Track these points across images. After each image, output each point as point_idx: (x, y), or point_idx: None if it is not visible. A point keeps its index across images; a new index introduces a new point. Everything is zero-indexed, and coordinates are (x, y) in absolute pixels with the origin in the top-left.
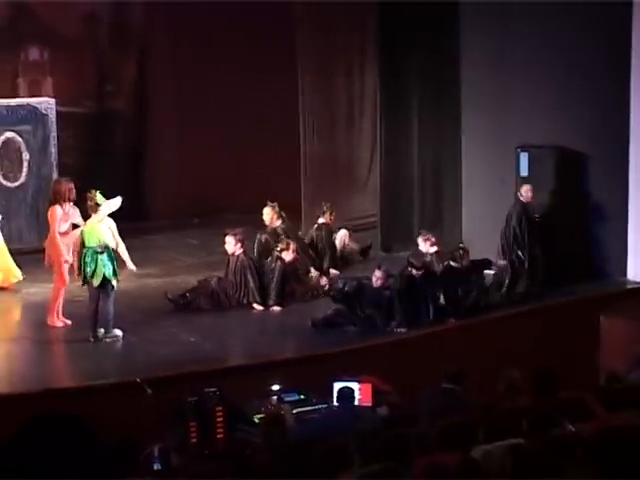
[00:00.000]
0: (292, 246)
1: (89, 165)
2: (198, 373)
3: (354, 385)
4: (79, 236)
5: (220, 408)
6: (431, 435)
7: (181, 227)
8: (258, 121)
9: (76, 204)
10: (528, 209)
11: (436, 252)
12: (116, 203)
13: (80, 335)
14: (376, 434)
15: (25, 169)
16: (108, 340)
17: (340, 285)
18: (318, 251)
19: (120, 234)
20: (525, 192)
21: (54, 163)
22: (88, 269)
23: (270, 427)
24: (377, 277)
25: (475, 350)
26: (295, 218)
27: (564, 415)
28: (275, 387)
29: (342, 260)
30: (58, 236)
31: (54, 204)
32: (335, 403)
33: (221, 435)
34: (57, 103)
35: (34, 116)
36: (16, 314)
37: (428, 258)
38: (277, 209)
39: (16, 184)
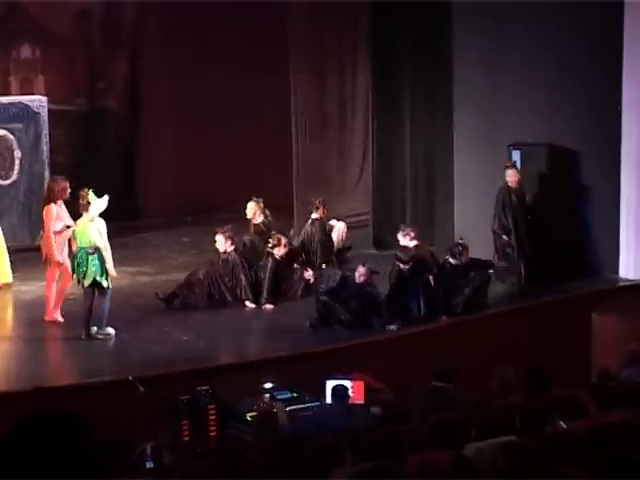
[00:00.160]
0: (283, 241)
1: (81, 163)
2: (191, 371)
3: (346, 383)
4: (72, 235)
5: (212, 406)
6: (423, 433)
7: (174, 225)
8: (251, 120)
9: (66, 203)
10: (514, 194)
11: (416, 246)
12: (104, 202)
13: (73, 333)
14: (368, 432)
15: (17, 167)
16: (100, 337)
17: (325, 279)
18: (312, 246)
19: (113, 232)
20: (509, 176)
21: (46, 161)
22: (80, 269)
23: (262, 425)
24: (360, 273)
25: (468, 348)
26: (287, 217)
27: (556, 412)
28: (267, 385)
29: (339, 253)
30: (52, 235)
31: (49, 203)
32: (328, 401)
33: (213, 433)
34: (49, 101)
35: (26, 114)
36: (8, 312)
37: (413, 252)
38: (261, 205)
39: (8, 182)
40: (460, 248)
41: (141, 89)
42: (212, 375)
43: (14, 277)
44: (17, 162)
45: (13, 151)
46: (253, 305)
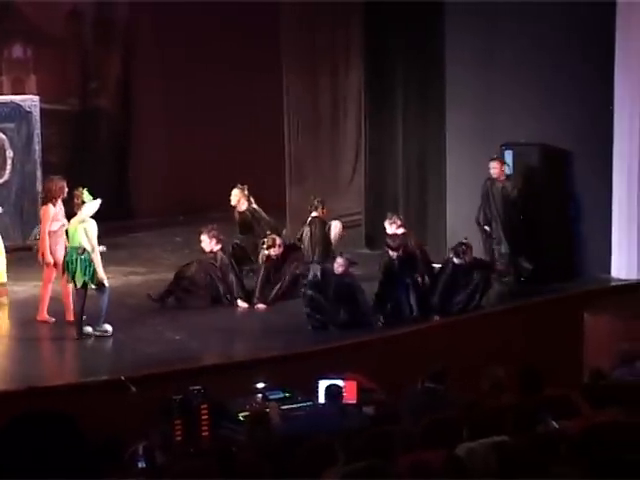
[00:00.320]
0: (278, 241)
1: (73, 163)
2: (183, 371)
3: (339, 383)
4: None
5: (205, 406)
6: (415, 433)
7: (166, 225)
8: (243, 120)
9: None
10: (497, 185)
11: (403, 234)
12: (95, 205)
13: (66, 333)
14: (361, 432)
15: (9, 166)
16: (97, 334)
17: (311, 275)
18: (311, 244)
19: (105, 232)
20: (492, 168)
21: (38, 161)
22: (70, 269)
23: (255, 425)
24: (338, 264)
25: (460, 347)
26: (280, 217)
27: (549, 412)
28: (260, 385)
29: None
30: (47, 236)
31: (46, 203)
32: (321, 401)
33: (206, 433)
34: (41, 101)
35: (18, 114)
36: (1, 312)
37: (402, 240)
38: (246, 192)
39: (0, 182)
40: (464, 247)
41: (134, 89)
42: (205, 375)
43: (7, 276)
44: (9, 162)
45: (5, 151)
46: (245, 304)
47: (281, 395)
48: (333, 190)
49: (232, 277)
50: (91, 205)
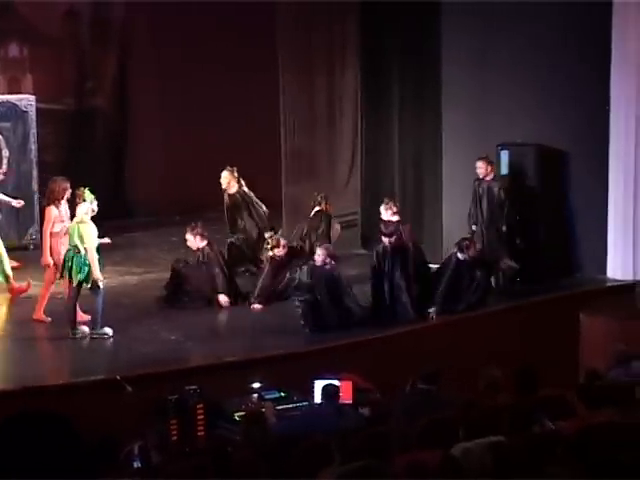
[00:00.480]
0: (282, 242)
1: (69, 162)
2: (179, 371)
3: (335, 383)
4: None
5: (201, 406)
6: (411, 433)
7: (163, 225)
8: (240, 120)
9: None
10: (484, 185)
11: (398, 222)
12: (87, 205)
13: (62, 333)
14: (357, 432)
15: (5, 166)
16: (95, 337)
17: (297, 273)
18: (314, 238)
19: (102, 232)
20: (477, 168)
21: (34, 160)
22: (66, 267)
23: (251, 425)
24: (318, 254)
25: (456, 348)
26: (276, 217)
27: (544, 413)
28: (256, 385)
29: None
30: (47, 238)
31: (49, 204)
32: (318, 400)
33: (202, 433)
34: (37, 100)
35: (14, 113)
36: None
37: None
38: (236, 174)
39: None
40: (467, 242)
41: (130, 88)
42: (200, 375)
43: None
44: (5, 161)
45: (1, 150)
46: (226, 300)
47: (277, 395)
48: (330, 190)
49: (217, 271)
50: (84, 205)
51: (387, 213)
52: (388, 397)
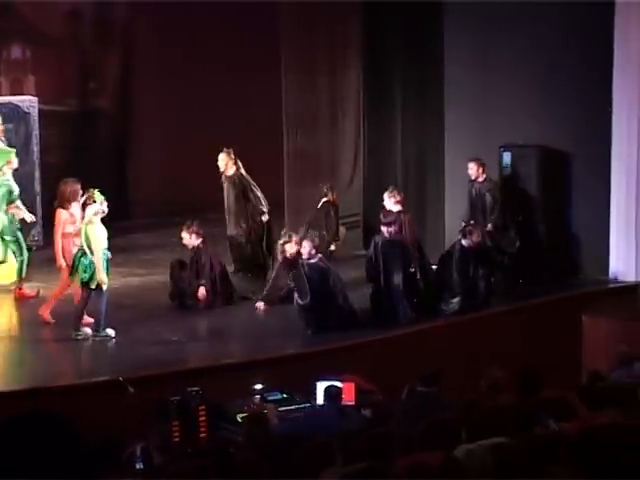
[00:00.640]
0: (295, 238)
1: (72, 163)
2: (181, 372)
3: (337, 384)
4: None
5: (203, 407)
6: (414, 434)
7: (164, 226)
8: (242, 120)
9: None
10: (476, 186)
11: (399, 211)
12: (95, 207)
13: (66, 334)
14: (359, 433)
15: None
16: (97, 339)
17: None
18: (322, 227)
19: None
20: (469, 169)
21: (36, 161)
22: (74, 267)
23: (253, 426)
24: (304, 247)
25: (458, 349)
26: (279, 217)
27: (547, 414)
28: (258, 386)
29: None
30: (58, 240)
31: (59, 207)
32: (320, 402)
33: (204, 434)
34: (39, 101)
35: (16, 114)
36: (4, 312)
37: (396, 217)
38: (232, 155)
39: None
40: (470, 228)
41: (132, 89)
42: (203, 376)
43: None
44: None
45: None
46: (204, 293)
47: (279, 396)
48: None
49: (206, 268)
50: (92, 207)
51: (390, 201)
52: (390, 398)
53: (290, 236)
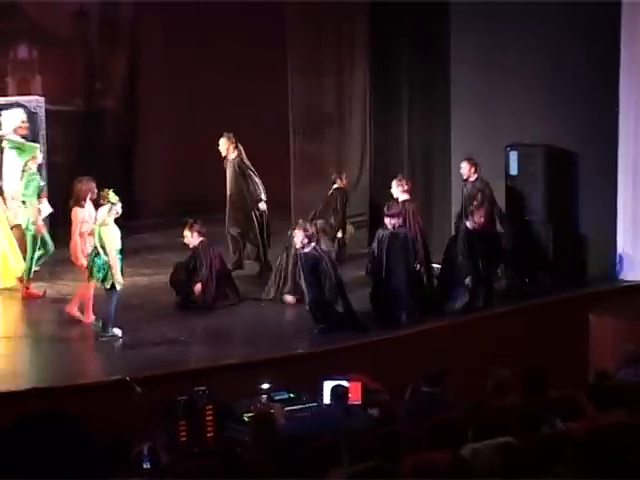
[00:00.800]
0: (309, 227)
1: (79, 163)
2: (188, 372)
3: (344, 384)
4: None
5: (210, 407)
6: (420, 434)
7: (171, 226)
8: (249, 120)
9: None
10: (468, 186)
11: (406, 200)
12: (106, 209)
13: (74, 334)
14: (366, 433)
15: None
16: (104, 339)
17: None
18: (332, 212)
19: None
20: (462, 169)
21: (43, 161)
22: (88, 267)
23: (260, 426)
24: (296, 236)
25: (465, 348)
26: (285, 217)
27: (554, 413)
28: (265, 386)
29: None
30: (78, 239)
31: (75, 205)
32: (327, 401)
33: (211, 434)
34: (46, 101)
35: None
36: (8, 312)
37: (401, 208)
38: (233, 139)
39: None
40: (471, 208)
41: (139, 89)
42: (209, 376)
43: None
44: None
45: None
46: (199, 287)
47: (286, 396)
48: None
49: (203, 262)
50: (105, 207)
51: (398, 189)
52: (397, 398)
53: (304, 224)
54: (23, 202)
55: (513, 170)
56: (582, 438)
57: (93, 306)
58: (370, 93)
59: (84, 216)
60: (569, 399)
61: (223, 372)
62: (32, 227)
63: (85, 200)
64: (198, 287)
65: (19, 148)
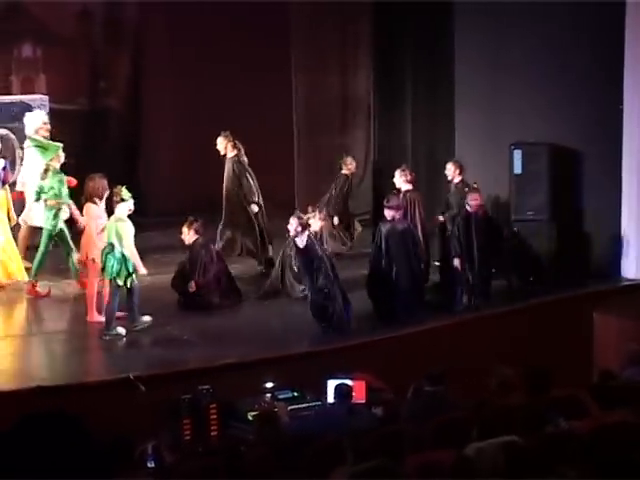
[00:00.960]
0: (319, 215)
1: (82, 162)
2: (192, 371)
3: (348, 382)
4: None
5: (214, 405)
6: (424, 433)
7: (174, 225)
8: (253, 120)
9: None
10: (451, 187)
11: (408, 191)
12: (127, 205)
13: (76, 332)
14: (370, 432)
15: (18, 166)
16: (107, 338)
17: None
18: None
19: None
20: (447, 170)
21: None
22: (102, 264)
23: (264, 424)
24: (290, 224)
25: (468, 347)
26: (289, 216)
27: (558, 412)
28: (269, 385)
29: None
30: (94, 234)
31: (87, 202)
32: (331, 400)
33: (215, 432)
34: (50, 100)
35: (27, 113)
36: (14, 310)
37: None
38: (231, 138)
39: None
40: (466, 190)
41: (143, 88)
42: (213, 374)
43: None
44: (18, 161)
45: (15, 150)
46: (193, 285)
47: (290, 395)
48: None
49: (197, 260)
50: (124, 205)
51: (401, 179)
52: (401, 397)
53: (314, 210)
54: (45, 201)
55: (517, 169)
56: (586, 437)
57: (98, 305)
58: (374, 93)
59: (98, 213)
60: (573, 398)
61: (227, 371)
62: (52, 225)
63: (98, 197)
64: (192, 285)
65: (42, 147)
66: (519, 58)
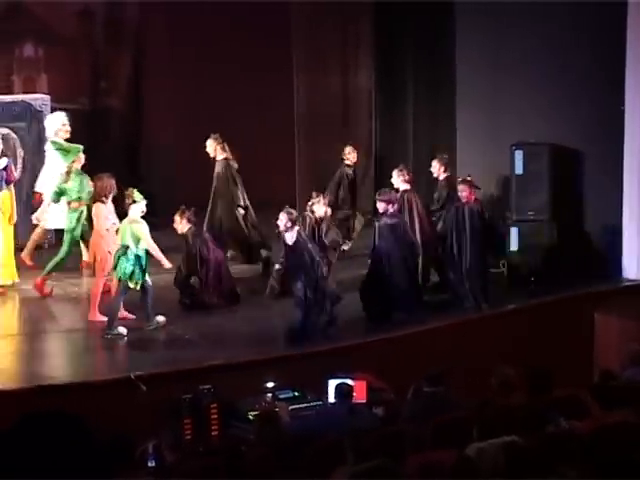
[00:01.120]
0: (323, 200)
1: (84, 162)
2: (193, 370)
3: (349, 382)
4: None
5: (215, 405)
6: (425, 433)
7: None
8: (254, 120)
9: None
10: (436, 184)
11: (405, 190)
12: (141, 206)
13: (77, 331)
14: (370, 432)
15: (20, 166)
16: (109, 337)
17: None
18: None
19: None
20: (432, 167)
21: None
22: (114, 265)
23: (264, 424)
24: (280, 219)
25: (469, 348)
26: None
27: (558, 412)
28: (270, 384)
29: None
30: (105, 233)
31: (96, 201)
32: (331, 400)
33: (216, 432)
34: (52, 100)
35: (29, 113)
36: (13, 310)
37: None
38: (220, 140)
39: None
40: (459, 181)
41: (144, 88)
42: (214, 374)
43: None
44: (20, 161)
45: (16, 150)
46: (197, 281)
47: (291, 394)
48: None
49: (193, 251)
50: (137, 206)
51: (398, 179)
52: (402, 397)
53: (318, 195)
54: (68, 203)
55: (518, 169)
56: (587, 437)
57: (100, 305)
58: (375, 93)
59: (106, 212)
60: (574, 398)
61: (228, 370)
62: (75, 228)
63: (106, 197)
64: (196, 280)
65: (63, 149)
66: (520, 58)
